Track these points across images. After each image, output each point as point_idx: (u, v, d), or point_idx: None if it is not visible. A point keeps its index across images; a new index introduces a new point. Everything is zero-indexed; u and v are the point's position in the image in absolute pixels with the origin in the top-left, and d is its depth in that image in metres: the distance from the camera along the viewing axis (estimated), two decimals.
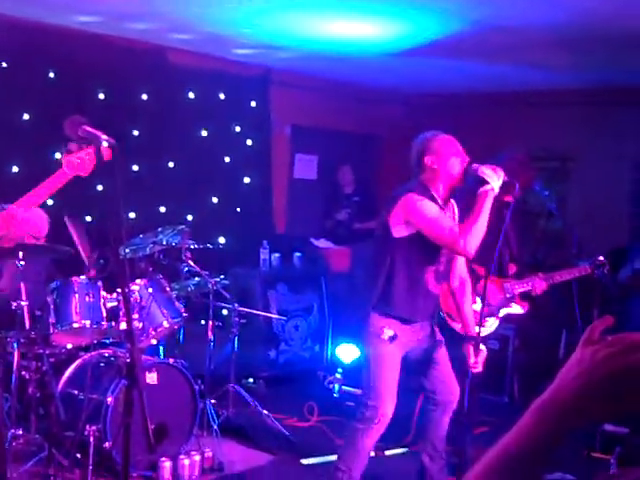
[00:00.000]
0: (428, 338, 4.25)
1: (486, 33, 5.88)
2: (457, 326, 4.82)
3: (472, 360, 4.11)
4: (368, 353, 4.10)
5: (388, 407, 4.04)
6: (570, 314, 6.42)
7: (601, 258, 4.95)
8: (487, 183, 3.93)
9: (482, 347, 4.16)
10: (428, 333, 4.25)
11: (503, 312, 4.99)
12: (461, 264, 4.34)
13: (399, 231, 4.01)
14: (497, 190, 3.95)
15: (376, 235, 4.22)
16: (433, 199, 4.01)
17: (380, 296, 4.07)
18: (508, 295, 4.94)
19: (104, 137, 3.20)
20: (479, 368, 4.14)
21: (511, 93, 8.09)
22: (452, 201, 4.21)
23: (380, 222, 4.15)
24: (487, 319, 4.91)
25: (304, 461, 5.16)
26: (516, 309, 5.04)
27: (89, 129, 3.23)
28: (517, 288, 4.96)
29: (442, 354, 4.27)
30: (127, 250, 5.04)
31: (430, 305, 4.22)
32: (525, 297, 5.05)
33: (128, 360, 3.00)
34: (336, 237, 8.10)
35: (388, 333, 4.03)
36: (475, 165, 3.98)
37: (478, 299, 4.87)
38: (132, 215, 6.52)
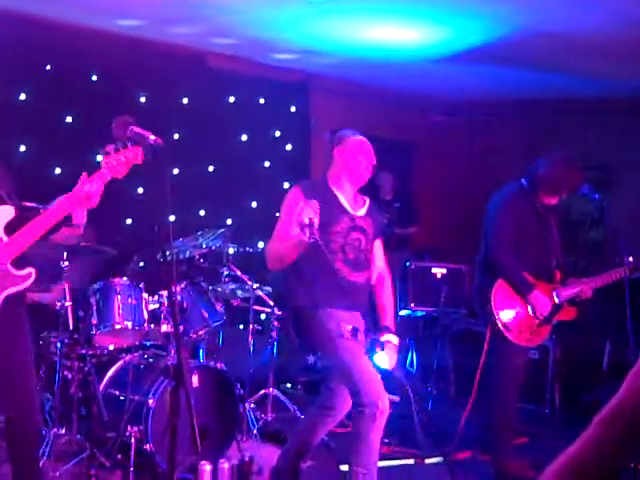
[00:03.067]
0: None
1: (530, 39, 5.83)
2: (512, 335, 4.77)
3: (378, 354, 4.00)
4: (337, 355, 3.97)
5: (380, 394, 3.89)
6: (614, 323, 6.35)
7: (630, 259, 4.90)
8: None
9: (392, 339, 4.06)
10: (364, 328, 4.16)
11: (555, 319, 4.94)
12: (378, 258, 4.30)
13: None
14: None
15: None
16: (324, 193, 4.05)
17: (308, 292, 4.00)
18: (557, 301, 4.88)
19: (152, 137, 3.23)
20: (388, 363, 4.01)
21: (552, 101, 8.01)
22: (367, 199, 4.28)
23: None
24: (541, 327, 4.86)
25: (343, 467, 5.12)
26: (566, 315, 4.99)
27: (137, 129, 3.26)
28: (565, 293, 4.91)
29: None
30: (168, 253, 5.04)
31: (361, 295, 4.15)
32: (572, 303, 5.00)
33: (173, 361, 3.01)
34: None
35: (348, 329, 3.98)
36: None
37: (529, 307, 4.83)
38: (172, 218, 6.51)
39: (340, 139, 4.23)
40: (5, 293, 3.38)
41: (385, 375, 4.08)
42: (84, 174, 3.47)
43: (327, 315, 3.98)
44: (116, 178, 3.48)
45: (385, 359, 4.00)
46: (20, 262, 3.43)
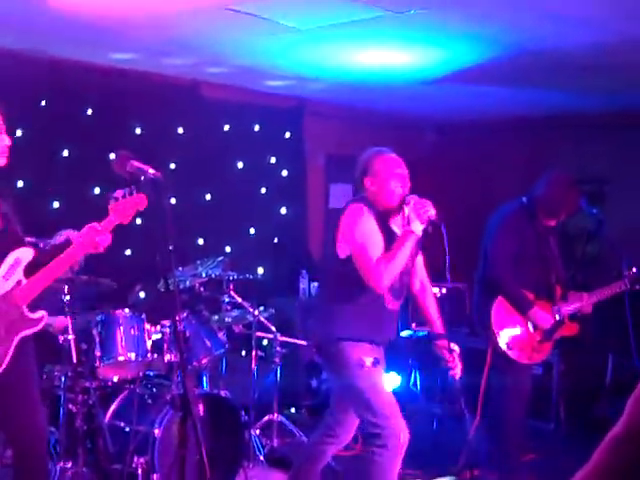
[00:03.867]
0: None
1: (519, 58, 5.88)
2: (513, 353, 4.78)
3: (446, 357, 3.99)
4: (357, 385, 3.89)
5: (401, 427, 3.86)
6: (616, 336, 6.35)
7: (634, 270, 4.91)
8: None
9: (454, 346, 4.02)
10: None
11: (557, 335, 4.95)
12: (420, 268, 4.25)
13: (344, 250, 3.90)
14: (419, 233, 3.81)
15: (325, 262, 4.12)
16: (376, 213, 3.91)
17: (343, 322, 3.91)
18: (558, 318, 4.89)
19: (151, 171, 3.25)
20: (458, 371, 4.01)
21: (545, 117, 8.07)
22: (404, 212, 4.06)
23: (328, 247, 4.02)
24: (542, 344, 4.87)
25: None
26: (568, 331, 5.00)
27: (137, 164, 3.28)
28: (566, 309, 4.92)
29: None
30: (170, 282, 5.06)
31: (393, 324, 4.11)
32: (573, 319, 5.01)
33: (178, 391, 3.02)
34: None
35: (369, 360, 3.90)
36: (408, 199, 3.87)
37: (529, 324, 4.84)
38: (170, 248, 6.53)
39: (367, 167, 4.00)
40: (20, 335, 3.42)
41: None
42: (94, 224, 3.51)
43: (352, 346, 3.91)
44: (122, 224, 3.51)
45: (457, 369, 4.00)
46: (33, 304, 3.48)
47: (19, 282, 3.42)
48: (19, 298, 3.41)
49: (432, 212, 3.81)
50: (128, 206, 3.47)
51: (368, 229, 3.85)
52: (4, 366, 3.36)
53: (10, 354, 3.38)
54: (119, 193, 3.38)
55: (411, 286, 4.23)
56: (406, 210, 3.82)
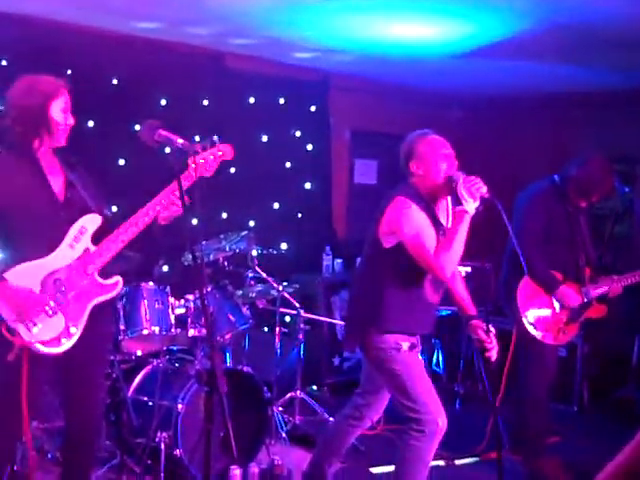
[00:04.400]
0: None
1: (549, 31, 5.76)
2: (539, 334, 4.71)
3: (484, 338, 3.84)
4: (395, 369, 3.83)
5: (440, 412, 3.81)
6: None
7: None
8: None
9: (491, 328, 3.90)
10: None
11: (584, 317, 4.88)
12: None
13: (389, 241, 3.82)
14: (472, 212, 3.70)
15: (366, 246, 3.99)
16: (424, 204, 3.82)
17: (382, 314, 3.84)
18: (586, 299, 4.82)
19: (179, 141, 3.22)
20: (494, 353, 3.88)
21: (575, 93, 7.93)
22: (447, 200, 3.98)
23: (370, 231, 3.92)
24: (569, 325, 4.80)
25: (373, 470, 5.09)
26: (595, 312, 4.93)
27: (165, 133, 3.26)
28: (594, 292, 4.85)
29: None
30: (191, 257, 5.02)
31: (432, 316, 4.04)
32: (601, 300, 4.94)
33: (204, 366, 2.98)
34: None
35: (406, 344, 3.85)
36: (456, 176, 3.76)
37: (556, 304, 4.77)
38: (194, 221, 6.50)
39: (412, 150, 3.89)
40: (92, 303, 3.42)
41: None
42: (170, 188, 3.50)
43: (388, 336, 3.86)
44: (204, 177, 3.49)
45: (494, 351, 3.89)
46: (105, 270, 3.48)
47: (86, 250, 3.41)
48: (88, 265, 3.40)
49: (484, 189, 3.69)
50: (209, 158, 3.51)
51: (419, 221, 3.76)
52: (78, 335, 3.35)
53: (83, 322, 3.37)
54: (198, 146, 3.31)
55: None
56: (460, 190, 3.70)
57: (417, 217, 3.75)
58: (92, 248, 3.43)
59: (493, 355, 3.88)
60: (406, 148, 3.92)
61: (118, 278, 3.52)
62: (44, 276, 3.31)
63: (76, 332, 3.35)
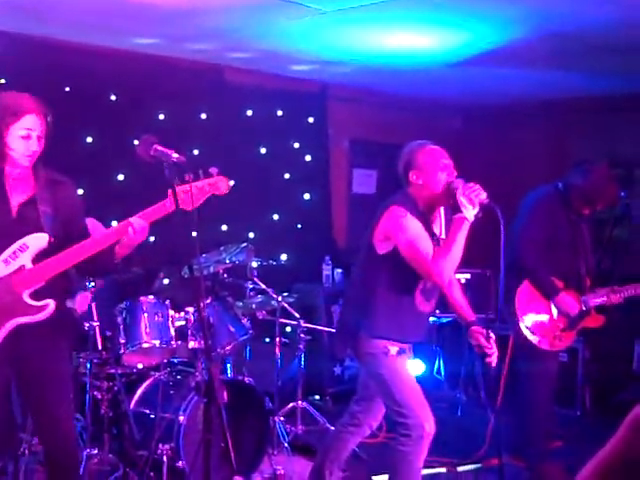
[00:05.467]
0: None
1: (544, 39, 5.80)
2: (535, 339, 4.73)
3: (484, 344, 3.86)
4: (382, 373, 3.89)
5: (427, 416, 3.85)
6: None
7: None
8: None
9: (491, 334, 3.91)
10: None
11: (581, 325, 4.90)
12: None
13: (383, 247, 3.86)
14: (472, 219, 3.73)
15: (361, 252, 4.03)
16: (419, 214, 3.86)
17: (371, 319, 3.89)
18: (585, 308, 4.83)
19: (175, 156, 3.22)
20: (494, 358, 3.91)
21: (571, 99, 7.96)
22: (441, 211, 4.02)
23: (365, 237, 3.97)
24: (565, 332, 4.82)
25: (374, 478, 5.10)
26: (593, 322, 4.94)
27: (161, 148, 3.26)
28: (593, 301, 4.86)
29: None
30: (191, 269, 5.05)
31: (423, 325, 4.06)
32: (599, 310, 4.94)
33: (203, 378, 3.01)
34: None
35: (394, 349, 3.90)
36: (456, 184, 3.79)
37: (555, 310, 4.79)
38: (194, 234, 6.53)
39: (411, 160, 3.92)
40: (14, 321, 3.35)
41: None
42: (133, 220, 3.47)
43: (377, 341, 3.90)
44: (185, 210, 3.37)
45: (494, 357, 3.91)
46: (42, 293, 3.39)
47: (21, 267, 3.33)
48: (18, 283, 3.32)
49: (483, 195, 3.72)
50: (193, 191, 3.36)
51: (415, 228, 3.79)
52: None
53: (1, 338, 3.32)
54: (189, 177, 3.23)
55: None
56: (459, 196, 3.73)
57: (413, 224, 3.78)
58: (28, 266, 3.35)
59: (493, 361, 3.91)
60: (405, 158, 3.95)
61: (49, 301, 3.38)
62: None
63: None
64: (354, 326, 3.97)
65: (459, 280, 7.00)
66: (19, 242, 3.35)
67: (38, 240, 3.38)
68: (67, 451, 3.55)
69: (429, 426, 3.82)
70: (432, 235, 3.89)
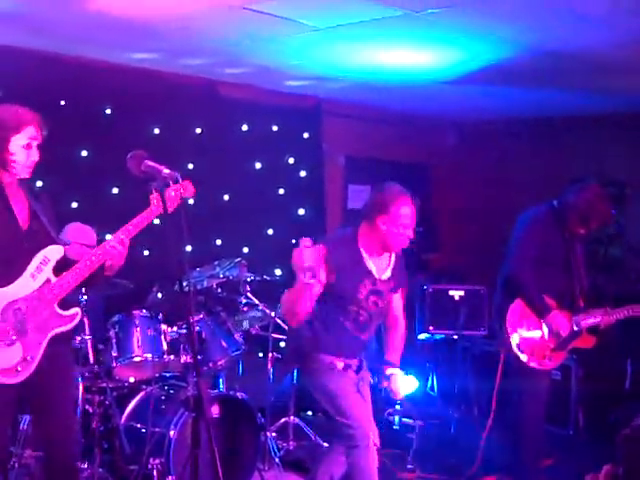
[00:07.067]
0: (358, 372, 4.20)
1: (539, 58, 5.83)
2: (524, 357, 4.73)
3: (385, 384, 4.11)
4: (329, 387, 4.02)
5: (372, 428, 3.97)
6: (635, 341, 6.28)
7: None
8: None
9: (396, 371, 4.14)
10: (358, 365, 4.20)
11: (571, 345, 4.89)
12: (397, 308, 4.31)
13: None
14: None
15: None
16: (351, 254, 3.99)
17: (312, 337, 4.04)
18: (576, 328, 4.83)
19: (166, 171, 3.24)
20: (397, 394, 4.14)
21: (564, 118, 8.01)
22: (392, 256, 4.17)
23: None
24: (555, 353, 4.81)
25: None
26: (584, 343, 4.93)
27: (151, 163, 3.27)
28: (585, 322, 4.85)
29: (367, 392, 4.22)
30: (185, 283, 5.06)
31: (357, 348, 4.16)
32: (591, 331, 4.94)
33: (193, 392, 3.01)
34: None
35: (340, 364, 4.03)
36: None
37: (546, 329, 4.79)
38: (188, 248, 6.54)
39: (384, 206, 4.00)
40: (52, 333, 3.41)
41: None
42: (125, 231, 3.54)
43: (322, 356, 4.03)
44: (162, 214, 3.43)
45: (395, 389, 4.11)
46: (65, 302, 3.47)
47: (48, 280, 3.40)
48: (48, 296, 3.39)
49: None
50: (171, 196, 3.47)
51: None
52: (35, 364, 3.35)
53: (41, 352, 3.37)
54: (158, 185, 3.29)
55: (385, 318, 4.31)
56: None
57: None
58: (53, 279, 3.41)
59: (396, 396, 4.16)
60: (378, 200, 4.04)
61: (77, 310, 3.50)
62: (4, 305, 3.29)
63: (33, 362, 3.34)
64: (301, 344, 4.10)
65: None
66: (40, 255, 3.40)
67: (56, 252, 3.46)
68: (67, 459, 3.59)
69: (374, 436, 3.94)
70: (361, 272, 4.02)
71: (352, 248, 4.01)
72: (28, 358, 3.33)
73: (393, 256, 4.17)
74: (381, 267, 4.10)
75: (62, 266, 3.45)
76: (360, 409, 3.99)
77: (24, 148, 3.41)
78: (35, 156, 3.46)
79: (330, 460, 4.29)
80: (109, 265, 3.51)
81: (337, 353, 4.04)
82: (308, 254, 3.70)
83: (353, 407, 3.96)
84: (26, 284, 3.36)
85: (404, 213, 3.98)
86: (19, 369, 3.30)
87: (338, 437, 4.10)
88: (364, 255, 4.03)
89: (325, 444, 5.49)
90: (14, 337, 3.29)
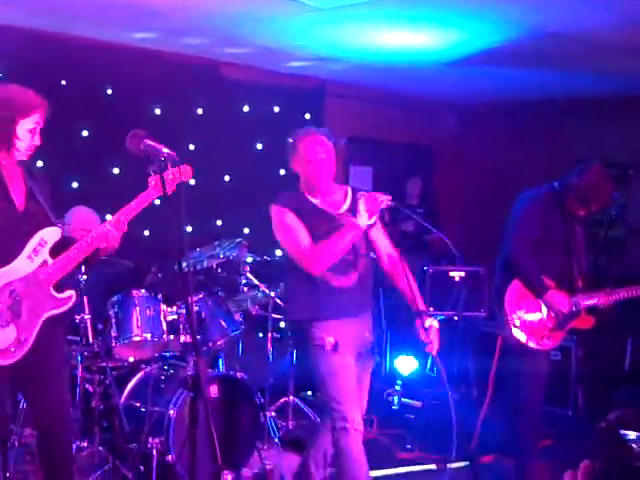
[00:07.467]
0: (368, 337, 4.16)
1: (541, 40, 5.82)
2: (523, 337, 4.73)
3: (423, 337, 3.97)
4: (318, 367, 3.98)
5: (355, 413, 3.92)
6: (635, 321, 6.28)
7: None
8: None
9: (433, 323, 4.00)
10: (369, 328, 4.17)
11: (570, 326, 4.89)
12: (382, 244, 4.20)
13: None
14: (364, 227, 3.87)
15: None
16: (302, 205, 4.02)
17: (290, 303, 4.09)
18: (575, 309, 4.82)
19: (165, 150, 3.24)
20: (434, 347, 4.00)
21: (567, 100, 7.98)
22: (348, 190, 4.17)
23: None
24: (554, 333, 4.82)
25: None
26: (582, 323, 4.93)
27: (150, 142, 3.27)
28: (584, 302, 4.85)
29: (366, 378, 4.17)
30: (185, 264, 5.06)
31: (347, 299, 4.03)
32: (590, 311, 4.93)
33: (192, 372, 3.02)
34: (401, 248, 8.02)
35: (330, 342, 3.95)
36: (359, 195, 3.92)
37: (545, 309, 4.79)
38: (189, 229, 6.55)
39: (292, 147, 4.17)
40: (46, 315, 3.42)
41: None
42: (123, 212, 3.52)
43: (315, 327, 3.97)
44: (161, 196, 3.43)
45: (434, 341, 3.99)
46: (60, 284, 3.47)
47: (44, 262, 3.40)
48: (44, 278, 3.40)
49: (384, 201, 3.84)
50: (168, 178, 3.41)
51: (288, 223, 3.98)
52: (29, 345, 3.36)
53: (35, 334, 3.38)
54: (156, 166, 3.29)
55: (379, 263, 4.23)
56: (360, 205, 3.87)
57: (289, 221, 3.98)
58: (50, 261, 3.41)
59: (432, 350, 4.01)
60: (288, 148, 4.21)
61: (72, 292, 3.50)
62: (0, 286, 3.31)
63: (27, 344, 3.35)
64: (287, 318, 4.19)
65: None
66: (37, 237, 3.40)
67: (53, 234, 3.45)
68: (61, 436, 3.60)
69: (351, 417, 3.88)
70: (313, 213, 4.02)
71: (298, 197, 4.08)
72: (22, 339, 3.34)
73: (349, 192, 4.16)
74: (336, 204, 4.08)
75: (60, 247, 3.45)
76: (347, 392, 3.94)
77: (29, 132, 3.42)
78: (37, 141, 3.47)
79: (323, 437, 4.31)
80: (103, 247, 3.50)
81: (316, 315, 3.97)
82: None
83: (339, 389, 3.92)
84: (23, 266, 3.36)
85: (306, 140, 4.12)
86: (12, 350, 3.32)
87: (324, 416, 4.13)
88: (310, 199, 4.07)
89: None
90: (9, 318, 3.30)
